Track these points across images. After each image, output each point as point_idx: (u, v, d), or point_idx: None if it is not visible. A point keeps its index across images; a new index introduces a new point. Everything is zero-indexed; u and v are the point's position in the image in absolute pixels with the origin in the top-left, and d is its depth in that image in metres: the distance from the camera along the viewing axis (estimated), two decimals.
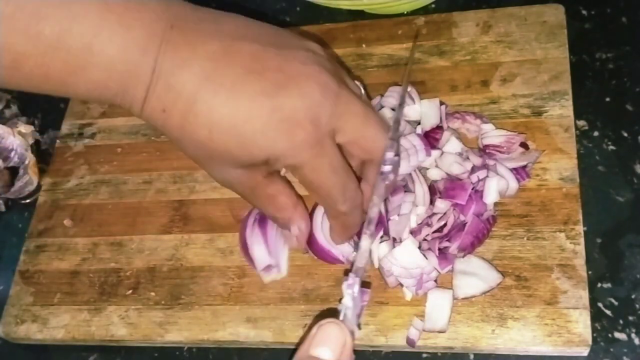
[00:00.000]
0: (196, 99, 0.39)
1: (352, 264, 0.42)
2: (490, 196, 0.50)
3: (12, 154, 0.63)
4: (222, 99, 0.39)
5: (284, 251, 0.53)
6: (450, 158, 0.52)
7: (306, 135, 0.40)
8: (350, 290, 0.39)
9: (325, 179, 0.43)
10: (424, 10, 0.63)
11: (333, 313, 0.37)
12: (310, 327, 0.36)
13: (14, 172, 0.63)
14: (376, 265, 0.50)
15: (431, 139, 0.53)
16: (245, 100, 0.39)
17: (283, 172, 0.49)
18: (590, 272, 0.48)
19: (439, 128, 0.54)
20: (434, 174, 0.52)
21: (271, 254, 0.52)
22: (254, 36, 0.41)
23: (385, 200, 0.50)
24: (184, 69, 0.39)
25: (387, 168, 0.45)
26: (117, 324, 0.54)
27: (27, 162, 0.63)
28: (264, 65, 0.40)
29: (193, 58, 0.39)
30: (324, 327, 0.36)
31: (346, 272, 0.45)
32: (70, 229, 0.60)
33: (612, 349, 0.47)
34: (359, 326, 0.41)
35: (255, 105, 0.39)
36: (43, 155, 0.66)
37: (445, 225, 0.49)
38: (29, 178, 0.63)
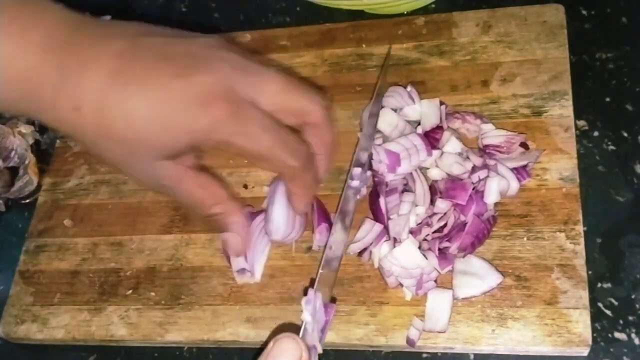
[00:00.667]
0: (109, 92, 0.38)
1: (311, 280, 0.42)
2: (491, 196, 0.50)
3: (12, 154, 0.63)
4: (136, 86, 0.39)
5: (261, 257, 0.53)
6: (450, 158, 0.52)
7: (226, 107, 0.40)
8: (309, 306, 0.40)
9: (262, 140, 0.42)
10: (424, 10, 0.63)
11: (294, 328, 0.37)
12: (267, 342, 0.36)
13: (14, 172, 0.63)
14: (376, 265, 0.50)
15: (431, 139, 0.53)
16: (159, 85, 0.39)
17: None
18: (590, 272, 0.48)
19: (439, 128, 0.54)
20: (435, 174, 0.52)
21: (247, 258, 0.52)
22: (158, 32, 0.42)
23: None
24: (93, 64, 0.38)
25: (354, 183, 0.46)
26: (117, 324, 0.54)
27: (27, 162, 0.63)
28: (173, 51, 0.40)
29: (101, 55, 0.38)
30: (279, 341, 0.35)
31: (309, 287, 0.45)
32: (70, 229, 0.60)
33: (612, 349, 0.47)
34: (321, 340, 0.41)
35: (170, 87, 0.39)
36: (43, 155, 0.66)
37: (445, 225, 0.49)
38: (29, 178, 0.63)
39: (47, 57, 0.37)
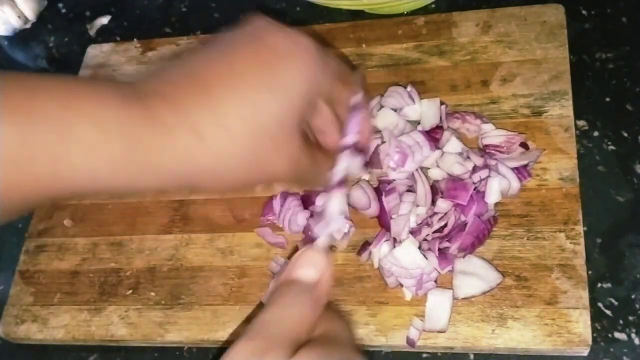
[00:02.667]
0: (217, 106, 0.39)
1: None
2: (493, 196, 0.50)
3: None
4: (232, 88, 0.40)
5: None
6: (451, 158, 0.52)
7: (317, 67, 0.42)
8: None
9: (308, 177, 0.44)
10: (424, 10, 0.63)
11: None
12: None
13: None
14: (376, 265, 0.50)
15: (431, 138, 0.53)
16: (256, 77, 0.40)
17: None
18: (590, 272, 0.48)
19: (439, 128, 0.54)
20: (436, 174, 0.52)
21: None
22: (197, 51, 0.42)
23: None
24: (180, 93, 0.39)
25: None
26: (117, 324, 0.54)
27: None
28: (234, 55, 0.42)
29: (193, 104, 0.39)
30: (305, 252, 0.36)
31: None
32: (70, 229, 0.60)
33: (612, 349, 0.47)
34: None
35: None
36: None
37: (445, 225, 0.49)
38: None
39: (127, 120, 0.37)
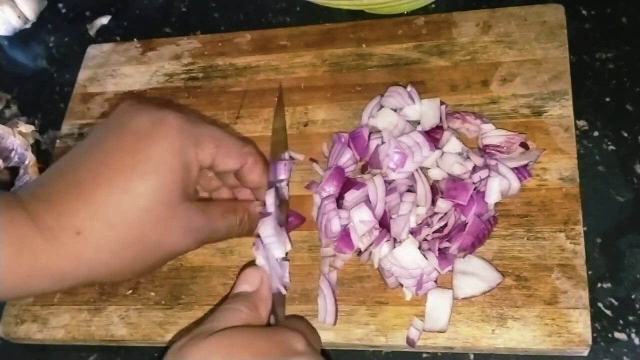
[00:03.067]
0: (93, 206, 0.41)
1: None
2: (493, 196, 0.49)
3: (12, 154, 0.63)
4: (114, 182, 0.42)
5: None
6: (451, 158, 0.52)
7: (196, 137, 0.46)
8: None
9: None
10: (424, 10, 0.63)
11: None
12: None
13: (14, 172, 0.63)
14: (376, 266, 0.50)
15: (431, 138, 0.53)
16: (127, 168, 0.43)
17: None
18: (590, 272, 0.48)
19: (439, 128, 0.54)
20: (436, 174, 0.52)
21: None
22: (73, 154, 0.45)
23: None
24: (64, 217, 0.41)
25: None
26: (117, 324, 0.54)
27: (27, 162, 0.63)
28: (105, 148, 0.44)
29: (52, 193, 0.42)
30: (242, 273, 0.45)
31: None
32: None
33: (612, 349, 0.47)
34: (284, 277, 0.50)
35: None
36: (43, 155, 0.66)
37: (445, 225, 0.49)
38: (29, 178, 0.63)
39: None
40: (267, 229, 0.47)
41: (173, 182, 0.42)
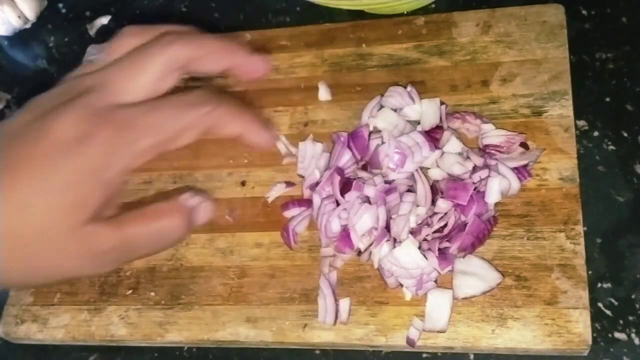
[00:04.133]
0: None
1: None
2: (493, 196, 0.49)
3: None
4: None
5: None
6: (451, 158, 0.52)
7: (102, 134, 0.37)
8: None
9: (163, 129, 0.39)
10: (424, 10, 0.63)
11: None
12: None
13: None
14: (376, 266, 0.50)
15: (431, 138, 0.53)
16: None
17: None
18: (590, 272, 0.48)
19: (439, 128, 0.54)
20: (436, 174, 0.52)
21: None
22: None
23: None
24: None
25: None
26: (117, 324, 0.54)
27: None
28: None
29: None
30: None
31: None
32: None
33: (612, 349, 0.47)
34: None
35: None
36: None
37: (445, 225, 0.49)
38: None
39: None
40: None
41: (78, 205, 0.37)
